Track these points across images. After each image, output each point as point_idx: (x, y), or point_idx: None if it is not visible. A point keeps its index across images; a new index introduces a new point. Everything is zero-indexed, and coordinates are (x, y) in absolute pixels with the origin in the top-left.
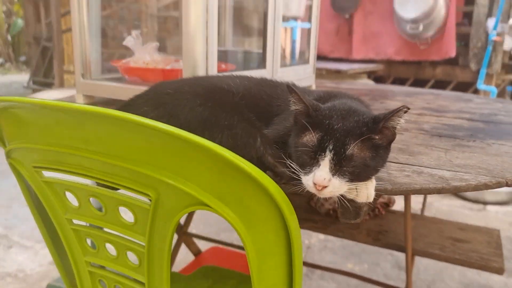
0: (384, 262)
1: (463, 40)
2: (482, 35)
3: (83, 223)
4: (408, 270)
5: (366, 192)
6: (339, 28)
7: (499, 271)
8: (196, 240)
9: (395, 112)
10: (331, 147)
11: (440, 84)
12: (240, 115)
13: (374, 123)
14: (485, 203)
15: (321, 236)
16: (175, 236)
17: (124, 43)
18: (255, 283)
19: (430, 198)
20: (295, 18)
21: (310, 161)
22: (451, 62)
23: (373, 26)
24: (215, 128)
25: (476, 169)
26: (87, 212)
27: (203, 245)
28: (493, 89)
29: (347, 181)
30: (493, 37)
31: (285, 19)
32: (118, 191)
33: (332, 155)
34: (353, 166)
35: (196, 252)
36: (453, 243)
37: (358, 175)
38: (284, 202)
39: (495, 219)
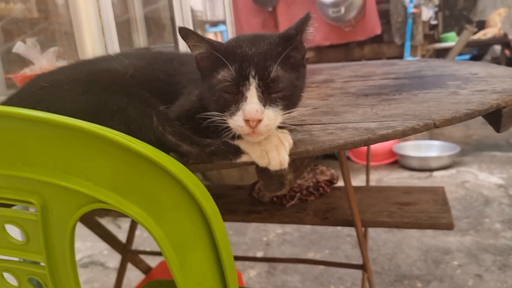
0: (344, 244)
1: (385, 17)
2: (401, 9)
3: None
4: (361, 243)
5: (278, 158)
6: (265, 22)
7: (449, 226)
8: (148, 257)
9: (305, 21)
10: (253, 73)
11: None
12: (131, 95)
13: (288, 39)
14: (430, 170)
15: (279, 230)
16: (119, 256)
17: (14, 50)
18: (180, 284)
19: (379, 174)
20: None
21: (234, 98)
22: (377, 40)
23: (297, 15)
24: (104, 115)
25: (403, 116)
26: None
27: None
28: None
29: (281, 109)
30: (411, 10)
31: (213, 24)
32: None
33: (257, 82)
34: (282, 90)
35: (146, 270)
36: (400, 207)
37: (289, 99)
38: (193, 184)
39: (442, 183)
